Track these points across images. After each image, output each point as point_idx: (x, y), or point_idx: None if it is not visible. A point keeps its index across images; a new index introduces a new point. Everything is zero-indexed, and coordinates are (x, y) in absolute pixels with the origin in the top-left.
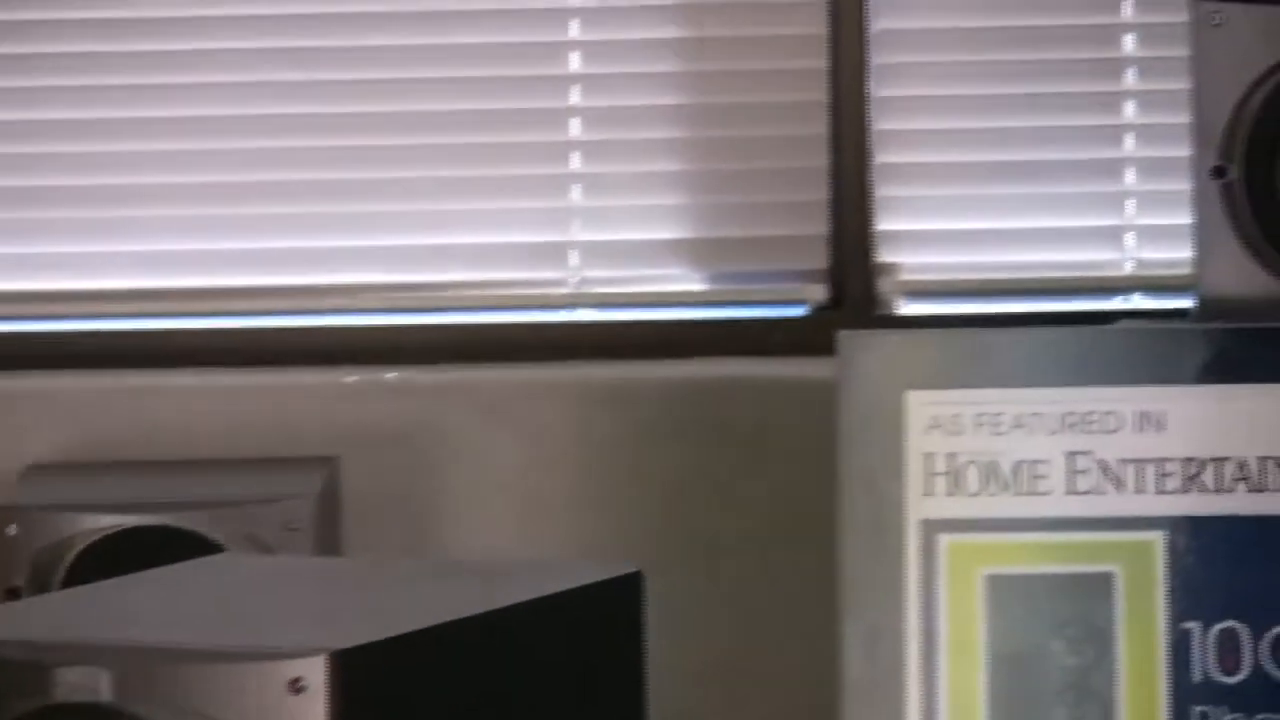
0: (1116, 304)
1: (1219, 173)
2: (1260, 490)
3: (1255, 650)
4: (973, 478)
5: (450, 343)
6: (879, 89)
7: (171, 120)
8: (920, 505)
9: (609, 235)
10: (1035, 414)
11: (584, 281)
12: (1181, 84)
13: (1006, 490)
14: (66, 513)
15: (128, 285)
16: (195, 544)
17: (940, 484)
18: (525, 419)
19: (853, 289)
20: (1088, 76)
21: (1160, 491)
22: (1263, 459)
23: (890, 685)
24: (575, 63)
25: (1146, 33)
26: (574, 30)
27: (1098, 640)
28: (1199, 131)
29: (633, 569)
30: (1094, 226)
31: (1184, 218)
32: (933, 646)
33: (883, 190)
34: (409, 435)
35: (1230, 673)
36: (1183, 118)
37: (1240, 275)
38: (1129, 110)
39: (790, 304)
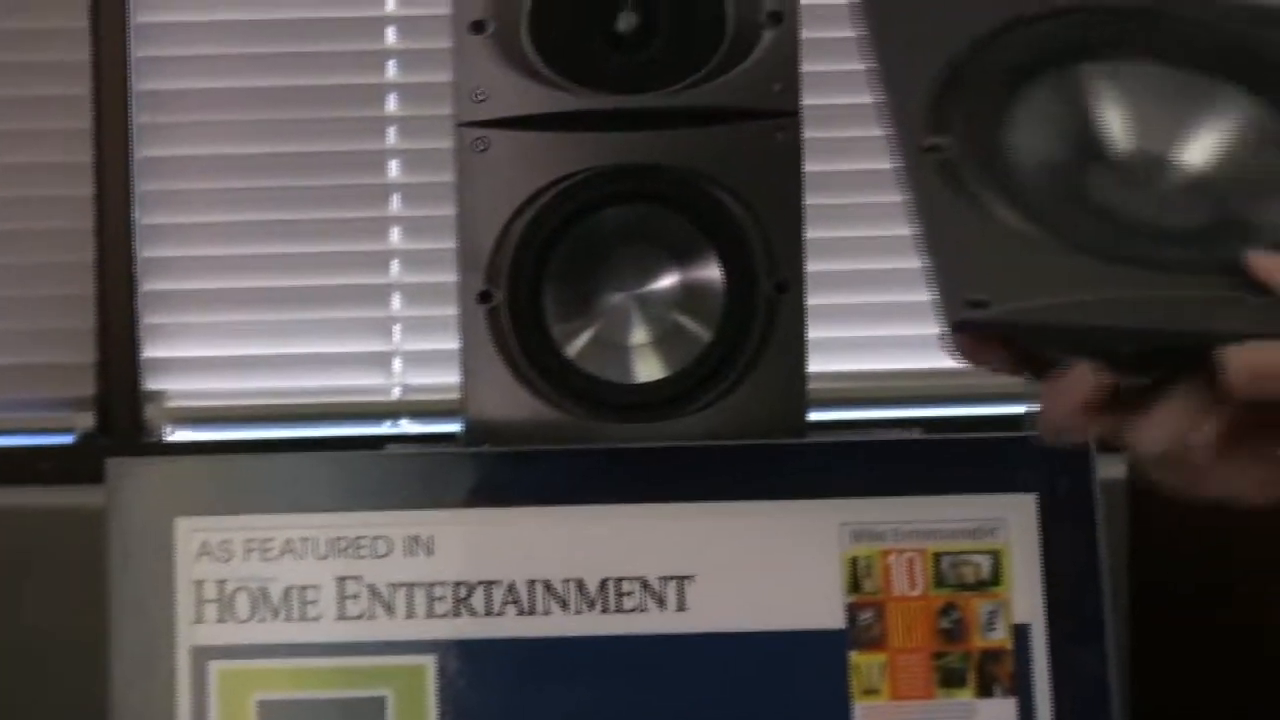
0: (385, 429)
1: (485, 298)
2: (530, 613)
3: None
4: (243, 604)
5: None
6: (145, 216)
7: None
8: (191, 632)
9: None
10: (305, 539)
11: None
12: (447, 209)
13: (277, 616)
14: None
15: None
16: None
17: (211, 611)
18: None
19: (120, 416)
20: (354, 202)
21: (431, 615)
22: (531, 581)
23: None
24: None
25: (411, 159)
26: None
27: None
28: (464, 256)
29: None
30: (362, 352)
31: (451, 342)
32: None
33: (149, 318)
34: None
35: None
36: (448, 243)
37: (507, 399)
38: (395, 236)
39: (57, 432)
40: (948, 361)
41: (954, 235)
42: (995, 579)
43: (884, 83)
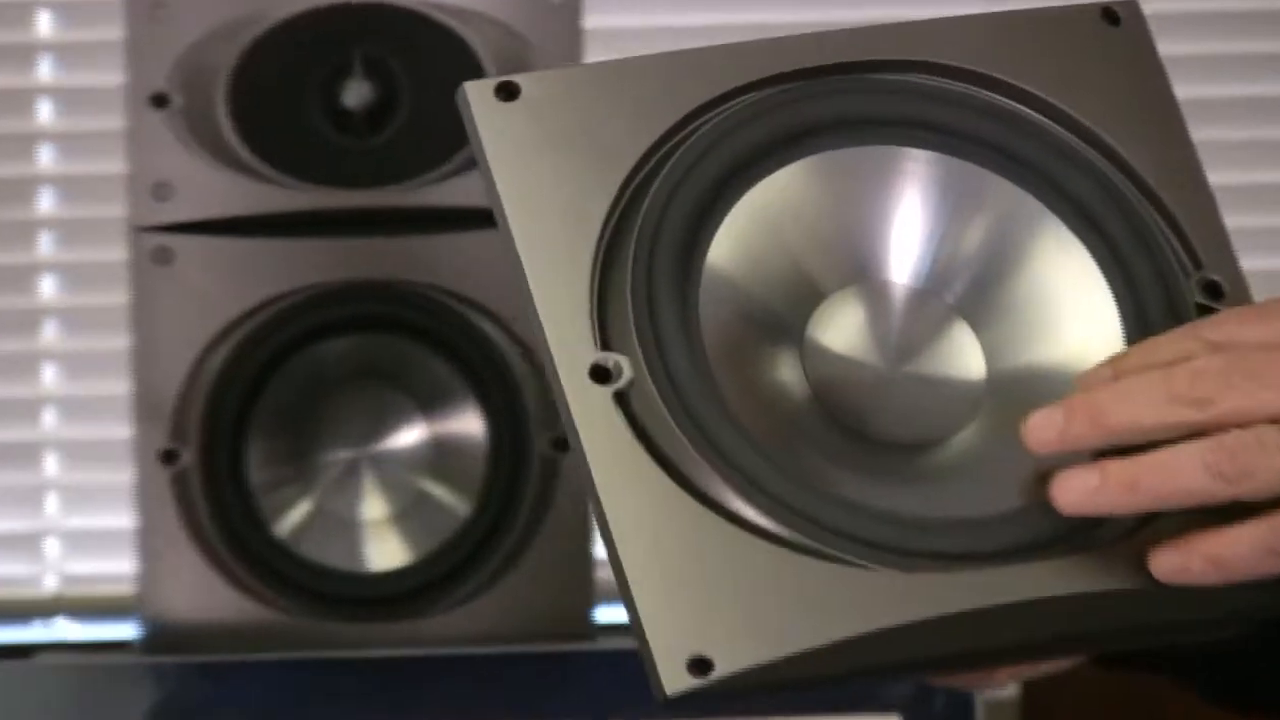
0: (36, 632)
1: (169, 457)
2: None
3: None
4: None
5: None
6: None
7: None
8: None
9: None
10: None
11: None
12: (118, 340)
13: None
14: None
15: None
16: None
17: None
18: None
19: None
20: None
21: None
22: None
23: None
24: None
25: (70, 274)
26: None
27: None
28: (142, 403)
29: None
30: (3, 531)
31: (124, 518)
32: None
33: None
34: None
35: None
36: (120, 386)
37: (198, 592)
38: (48, 377)
39: None
40: None
41: (657, 541)
42: None
43: (529, 280)
